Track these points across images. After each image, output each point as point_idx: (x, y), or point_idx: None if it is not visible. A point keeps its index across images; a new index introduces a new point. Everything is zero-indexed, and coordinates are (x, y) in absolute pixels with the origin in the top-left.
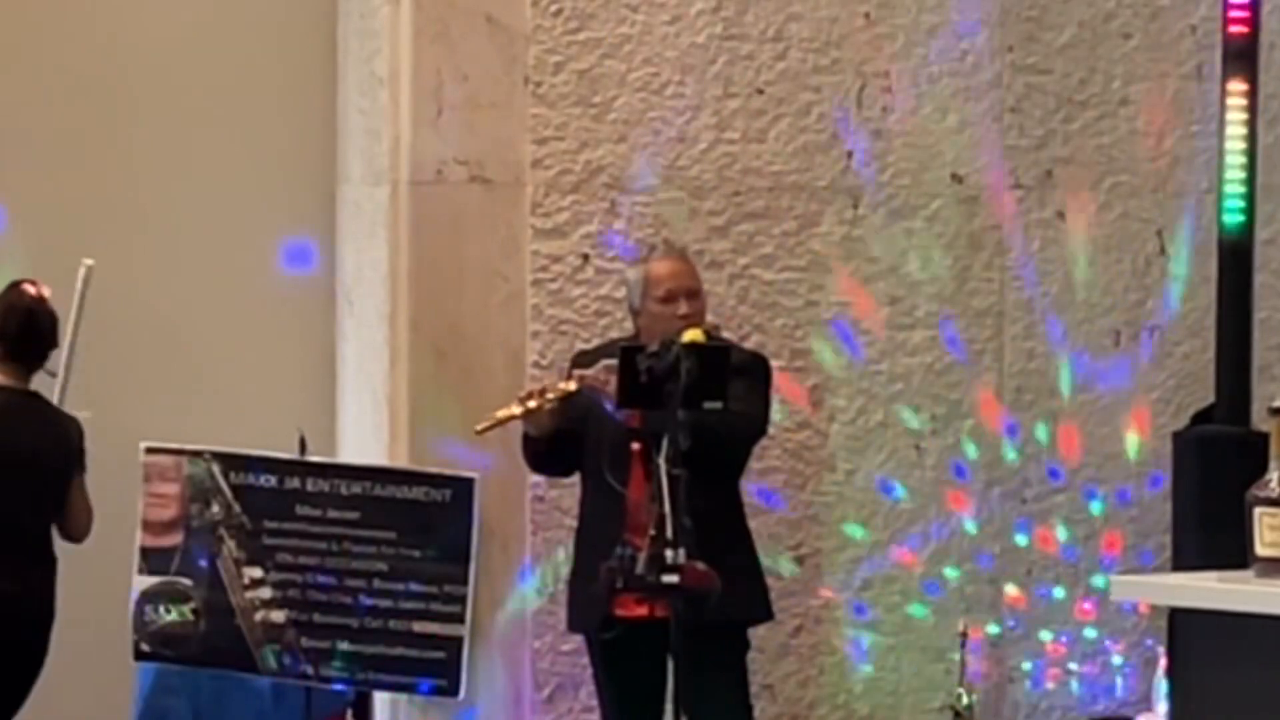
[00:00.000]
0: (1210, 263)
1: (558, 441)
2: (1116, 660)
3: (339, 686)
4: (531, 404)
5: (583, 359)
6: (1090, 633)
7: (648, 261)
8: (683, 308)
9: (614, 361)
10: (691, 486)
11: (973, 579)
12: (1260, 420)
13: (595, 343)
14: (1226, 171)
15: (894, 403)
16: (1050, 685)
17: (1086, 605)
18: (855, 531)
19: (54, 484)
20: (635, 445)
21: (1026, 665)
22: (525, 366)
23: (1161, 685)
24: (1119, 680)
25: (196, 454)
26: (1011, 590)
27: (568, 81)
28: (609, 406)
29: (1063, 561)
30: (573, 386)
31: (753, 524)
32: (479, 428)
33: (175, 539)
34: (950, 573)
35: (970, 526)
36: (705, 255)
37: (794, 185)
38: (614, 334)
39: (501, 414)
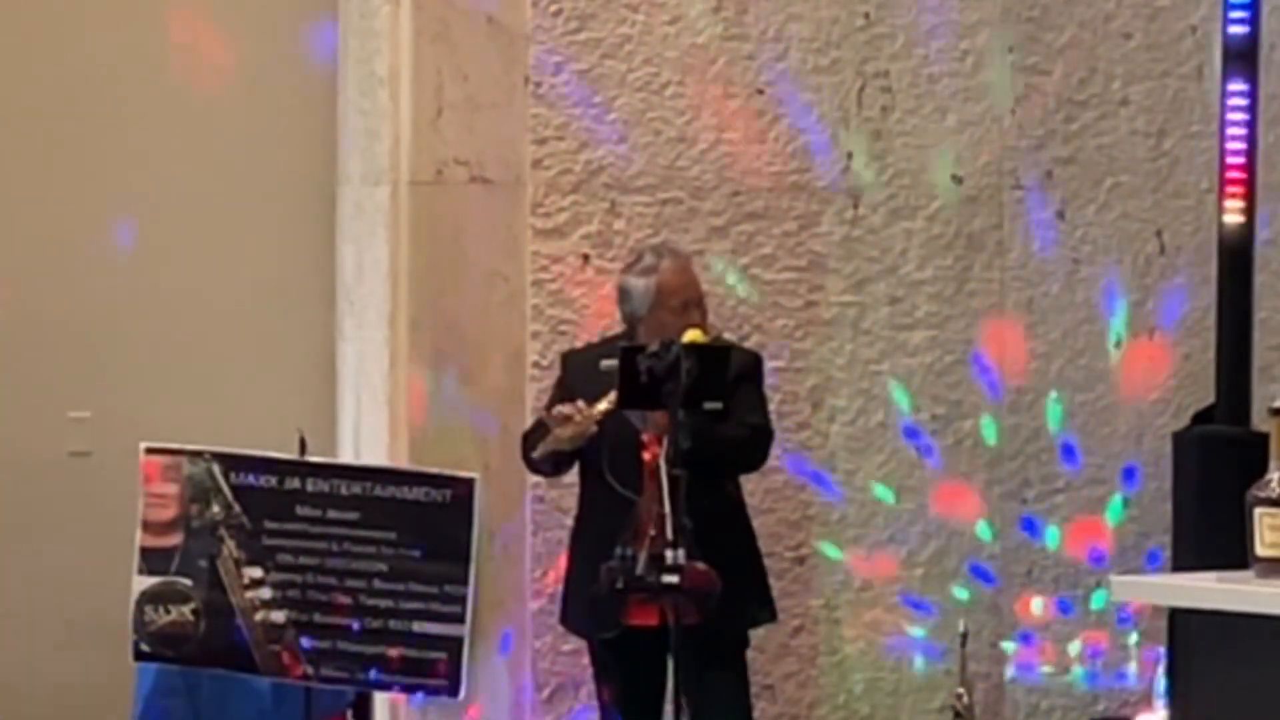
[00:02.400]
0: (1210, 263)
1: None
2: (1116, 660)
3: (339, 686)
4: (577, 419)
5: (573, 358)
6: (1091, 633)
7: (657, 272)
8: (695, 315)
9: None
10: (693, 486)
11: (973, 579)
12: (1260, 420)
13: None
14: (1226, 171)
15: (894, 403)
16: (1050, 685)
17: (1087, 605)
18: (855, 532)
19: None
20: (648, 456)
21: (1027, 665)
22: (525, 366)
23: (1161, 685)
24: (1119, 680)
25: (196, 454)
26: (1012, 590)
27: (568, 81)
28: (634, 419)
29: (1063, 561)
30: (611, 407)
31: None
32: (537, 454)
33: (175, 539)
34: (950, 573)
35: (970, 527)
36: (705, 255)
37: (794, 185)
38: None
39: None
